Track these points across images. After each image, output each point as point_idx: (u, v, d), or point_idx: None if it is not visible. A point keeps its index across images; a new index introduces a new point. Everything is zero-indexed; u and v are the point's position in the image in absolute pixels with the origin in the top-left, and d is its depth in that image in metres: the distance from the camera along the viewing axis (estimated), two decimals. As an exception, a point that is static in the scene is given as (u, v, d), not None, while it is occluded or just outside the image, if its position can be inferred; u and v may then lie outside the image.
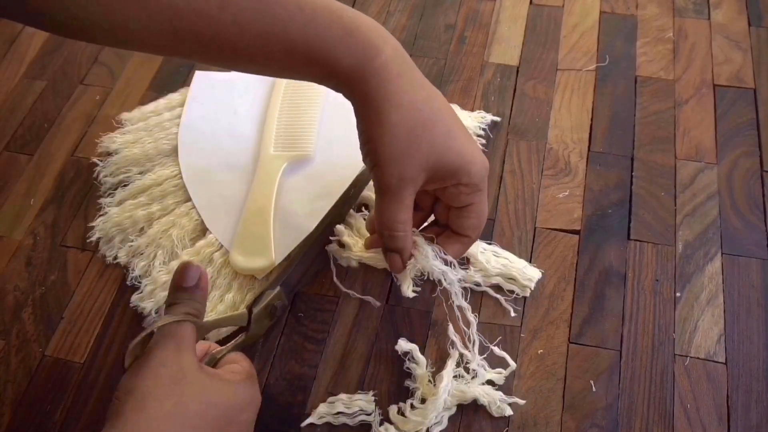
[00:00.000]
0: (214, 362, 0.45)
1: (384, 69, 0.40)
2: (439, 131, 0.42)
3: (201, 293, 0.42)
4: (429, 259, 0.46)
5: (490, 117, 0.62)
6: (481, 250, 0.54)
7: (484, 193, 0.46)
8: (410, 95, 0.41)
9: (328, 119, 0.61)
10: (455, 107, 0.63)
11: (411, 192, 0.43)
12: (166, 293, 0.53)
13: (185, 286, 0.42)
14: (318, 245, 0.52)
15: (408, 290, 0.48)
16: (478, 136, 0.61)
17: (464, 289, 0.50)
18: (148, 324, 0.50)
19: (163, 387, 0.37)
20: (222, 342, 0.50)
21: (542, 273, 0.53)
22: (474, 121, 0.61)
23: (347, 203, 0.55)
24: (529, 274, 0.53)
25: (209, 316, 0.52)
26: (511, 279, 0.53)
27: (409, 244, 0.46)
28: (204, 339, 0.48)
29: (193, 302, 0.42)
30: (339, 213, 0.55)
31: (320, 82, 0.43)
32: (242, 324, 0.47)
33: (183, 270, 0.42)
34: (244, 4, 0.38)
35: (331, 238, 0.54)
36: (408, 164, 0.42)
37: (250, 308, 0.47)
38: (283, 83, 0.64)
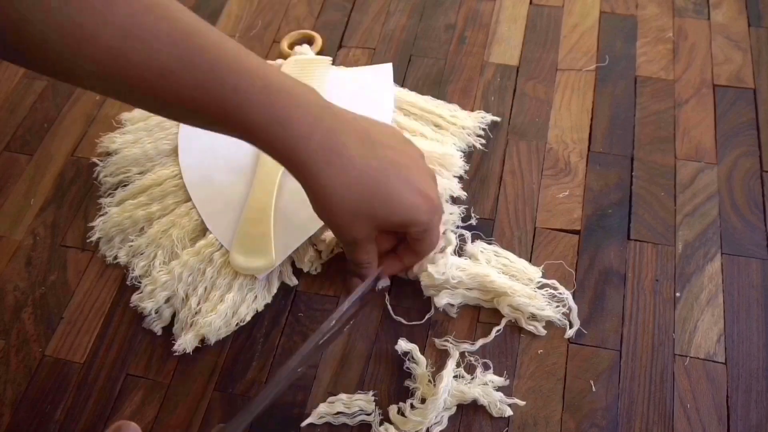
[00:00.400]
0: None
1: (313, 160, 0.43)
2: (378, 201, 0.46)
3: None
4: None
5: (490, 117, 0.62)
6: (480, 250, 0.54)
7: (433, 229, 0.50)
8: (341, 179, 0.44)
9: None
10: (454, 107, 0.63)
11: (367, 242, 0.48)
12: (166, 293, 0.53)
13: None
14: (279, 386, 0.43)
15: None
16: (478, 136, 0.61)
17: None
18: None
19: None
20: None
21: (542, 272, 0.53)
22: (474, 121, 0.62)
23: (316, 351, 0.47)
24: (529, 273, 0.53)
25: (209, 315, 0.52)
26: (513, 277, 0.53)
27: (373, 272, 0.50)
28: None
29: None
30: (305, 360, 0.45)
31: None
32: None
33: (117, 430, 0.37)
34: (183, 78, 0.40)
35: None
36: (355, 230, 0.47)
37: None
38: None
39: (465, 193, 0.58)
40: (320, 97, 0.45)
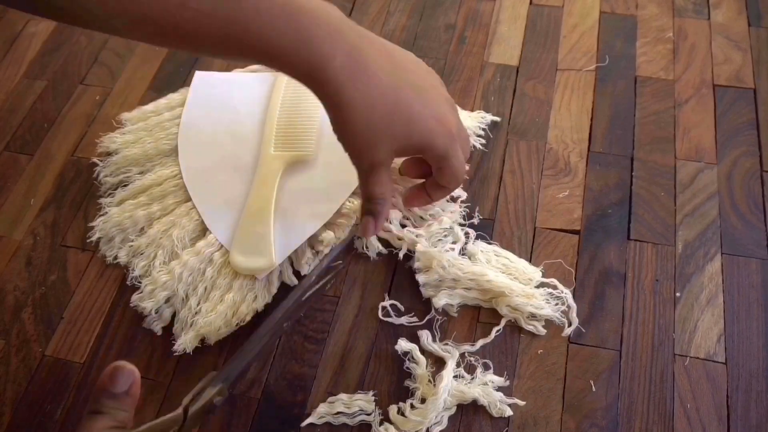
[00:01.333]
0: None
1: (335, 78, 0.43)
2: (398, 121, 0.46)
3: (131, 400, 0.37)
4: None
5: (489, 117, 0.62)
6: (481, 250, 0.54)
7: (452, 158, 0.49)
8: (363, 97, 0.44)
9: (329, 121, 0.61)
10: None
11: (383, 170, 0.48)
12: (166, 293, 0.53)
13: (114, 392, 0.36)
14: (269, 335, 0.46)
15: (373, 253, 0.53)
16: (478, 136, 0.61)
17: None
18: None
19: None
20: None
21: (542, 272, 0.53)
22: (474, 121, 0.62)
23: (305, 293, 0.49)
24: (529, 273, 0.53)
25: (209, 315, 0.52)
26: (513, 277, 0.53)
27: (386, 211, 0.50)
28: None
29: (119, 411, 0.36)
30: (297, 304, 0.49)
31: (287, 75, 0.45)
32: (177, 426, 0.41)
33: (113, 373, 0.36)
34: (203, 5, 0.39)
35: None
36: (374, 154, 0.47)
37: (186, 408, 0.41)
38: (283, 83, 0.64)
39: (465, 193, 0.58)
40: (343, 15, 0.44)
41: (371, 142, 0.46)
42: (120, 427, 0.36)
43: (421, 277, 0.52)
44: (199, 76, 0.66)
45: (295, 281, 0.55)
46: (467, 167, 0.59)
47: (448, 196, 0.56)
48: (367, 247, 0.55)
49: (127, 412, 0.37)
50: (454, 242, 0.54)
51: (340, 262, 0.52)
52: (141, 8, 0.38)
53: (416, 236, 0.54)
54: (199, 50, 0.43)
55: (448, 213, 0.56)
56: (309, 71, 0.43)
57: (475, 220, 0.56)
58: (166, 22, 0.39)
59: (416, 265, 0.53)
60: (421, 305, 0.53)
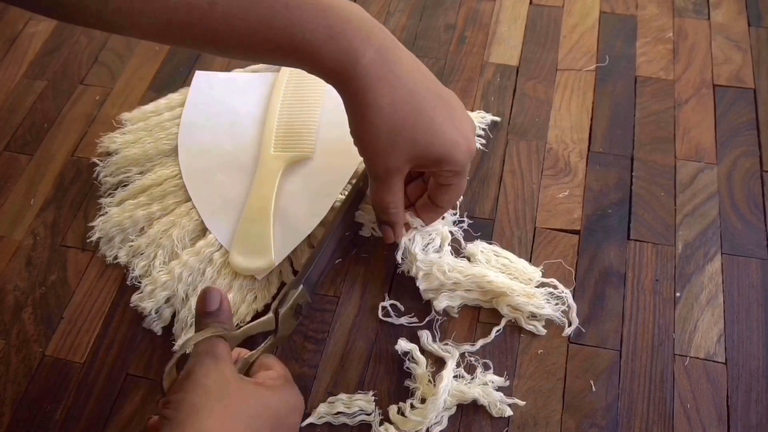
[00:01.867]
0: (247, 367, 0.44)
1: (364, 75, 0.42)
2: (421, 127, 0.45)
3: (225, 314, 0.43)
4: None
5: (490, 117, 0.62)
6: (481, 250, 0.54)
7: (464, 175, 0.50)
8: (390, 98, 0.43)
9: (329, 119, 0.61)
10: None
11: (397, 179, 0.48)
12: (166, 293, 0.53)
13: (209, 311, 0.43)
14: (335, 239, 0.52)
15: (398, 256, 0.53)
16: (478, 136, 0.61)
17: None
18: (179, 341, 0.50)
19: (210, 397, 0.37)
20: (250, 347, 0.48)
21: (542, 272, 0.53)
22: (474, 121, 0.61)
23: (358, 196, 0.55)
24: (529, 273, 0.53)
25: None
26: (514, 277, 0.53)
27: (400, 219, 0.51)
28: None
29: (219, 324, 0.42)
30: (352, 206, 0.55)
31: (311, 73, 0.45)
32: (270, 328, 0.47)
33: (204, 296, 0.43)
34: (233, 3, 0.39)
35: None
36: (391, 159, 0.46)
37: (276, 311, 0.47)
38: (283, 83, 0.64)
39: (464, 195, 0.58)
40: (368, 15, 0.44)
41: (391, 146, 0.45)
42: (223, 331, 0.42)
43: (421, 284, 0.52)
44: (199, 76, 0.66)
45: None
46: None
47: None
48: (374, 230, 0.56)
49: (227, 324, 0.43)
50: (441, 243, 0.54)
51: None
52: (169, 6, 0.38)
53: (409, 240, 0.53)
54: (227, 50, 0.43)
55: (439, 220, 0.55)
56: (337, 68, 0.42)
57: (466, 224, 0.56)
58: (195, 20, 0.39)
59: (413, 271, 0.53)
60: (421, 305, 0.53)
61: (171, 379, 0.40)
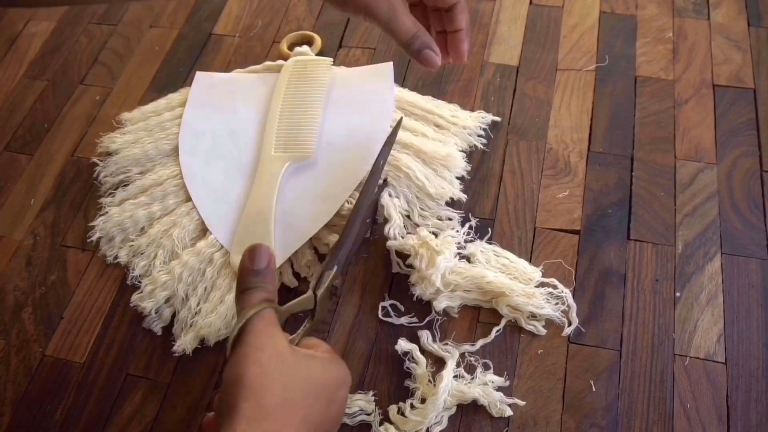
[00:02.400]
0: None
1: None
2: None
3: (271, 275, 0.42)
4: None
5: (490, 117, 0.62)
6: (480, 250, 0.54)
7: None
8: None
9: (329, 120, 0.61)
10: (455, 107, 0.63)
11: (402, 8, 0.48)
12: (166, 293, 0.53)
13: (257, 269, 0.41)
14: (360, 222, 0.52)
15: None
16: (479, 136, 0.61)
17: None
18: (238, 314, 0.44)
19: (267, 372, 0.37)
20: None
21: (542, 272, 0.53)
22: (474, 121, 0.61)
23: (375, 177, 0.55)
24: (528, 273, 0.53)
25: (209, 316, 0.52)
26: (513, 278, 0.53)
27: (429, 37, 0.50)
28: None
29: (266, 285, 0.41)
30: (371, 189, 0.54)
31: None
32: (309, 307, 0.46)
33: (253, 252, 0.41)
34: None
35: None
36: None
37: (314, 291, 0.46)
38: (284, 84, 0.63)
39: (465, 196, 0.58)
40: None
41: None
42: (270, 299, 0.40)
43: (416, 290, 0.52)
44: (200, 77, 0.66)
45: (296, 282, 0.55)
46: (469, 167, 0.59)
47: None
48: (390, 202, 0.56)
49: (272, 286, 0.41)
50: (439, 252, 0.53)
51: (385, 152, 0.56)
52: None
53: (418, 244, 0.53)
54: None
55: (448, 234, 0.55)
56: None
57: (473, 223, 0.56)
58: None
59: (411, 279, 0.53)
60: (421, 305, 0.53)
61: (233, 348, 0.39)
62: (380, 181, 0.56)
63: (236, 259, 0.54)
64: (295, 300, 0.45)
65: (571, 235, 0.56)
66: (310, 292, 0.46)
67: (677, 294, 0.52)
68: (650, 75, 0.65)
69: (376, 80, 0.64)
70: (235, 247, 0.54)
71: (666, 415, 0.47)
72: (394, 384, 0.50)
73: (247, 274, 0.41)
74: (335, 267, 0.48)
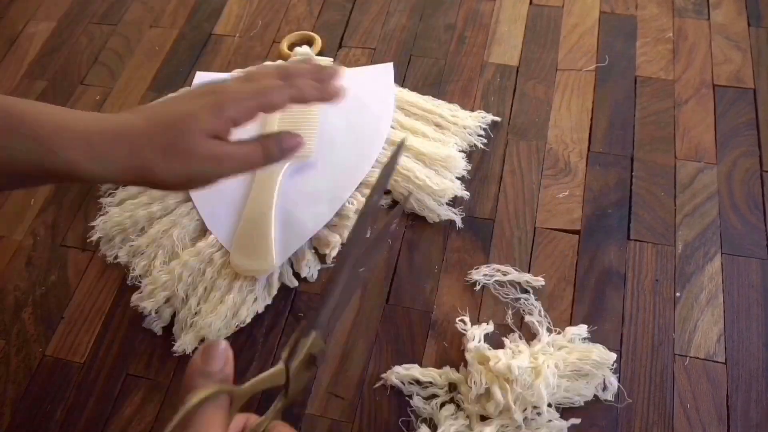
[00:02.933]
0: None
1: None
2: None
3: (226, 378, 0.35)
4: None
5: (490, 117, 0.62)
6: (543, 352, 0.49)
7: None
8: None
9: (329, 120, 0.61)
10: (455, 107, 0.63)
11: (224, 149, 0.45)
12: (166, 293, 0.53)
13: (209, 371, 0.34)
14: (349, 273, 0.44)
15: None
16: (479, 135, 0.61)
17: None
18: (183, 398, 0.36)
19: None
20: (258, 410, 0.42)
21: (542, 277, 0.53)
22: (474, 120, 0.61)
23: (371, 250, 0.47)
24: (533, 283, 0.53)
25: (208, 316, 0.52)
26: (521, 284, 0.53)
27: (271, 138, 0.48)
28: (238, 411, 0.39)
29: (220, 383, 0.35)
30: (362, 231, 0.47)
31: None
32: (280, 383, 0.38)
33: (206, 352, 0.35)
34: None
35: None
36: (195, 157, 0.44)
37: (286, 364, 0.38)
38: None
39: (467, 193, 0.58)
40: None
41: (175, 157, 0.44)
42: (225, 380, 0.34)
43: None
44: (201, 77, 0.66)
45: (296, 282, 0.55)
46: (469, 167, 0.59)
47: None
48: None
49: (228, 373, 0.35)
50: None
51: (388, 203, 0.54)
52: None
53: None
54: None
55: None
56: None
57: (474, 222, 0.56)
58: None
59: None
60: (421, 305, 0.53)
61: None
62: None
63: (237, 260, 0.54)
64: (261, 375, 0.37)
65: (571, 235, 0.56)
66: (280, 365, 0.38)
67: (677, 294, 0.52)
68: (650, 75, 0.65)
69: (377, 80, 0.64)
70: (235, 248, 0.54)
71: (666, 415, 0.47)
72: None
73: (194, 375, 0.34)
74: (312, 332, 0.40)
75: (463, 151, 0.60)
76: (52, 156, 0.41)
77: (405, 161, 0.58)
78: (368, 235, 0.47)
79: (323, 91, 0.48)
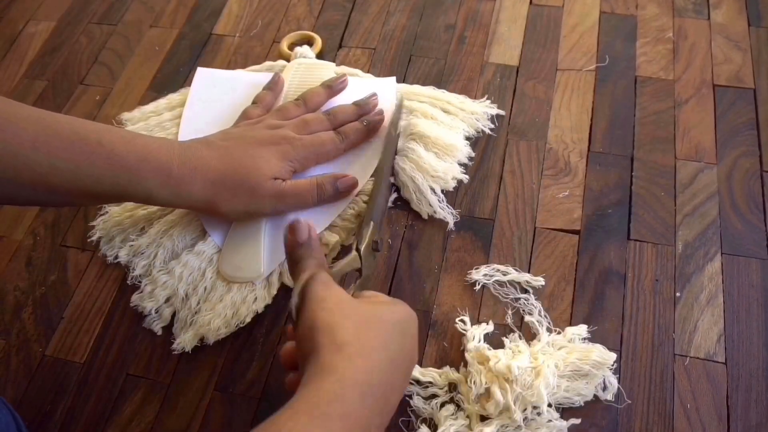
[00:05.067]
0: None
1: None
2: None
3: (315, 243, 0.44)
4: None
5: (495, 109, 0.62)
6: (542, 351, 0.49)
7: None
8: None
9: None
10: (462, 98, 0.63)
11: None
12: (166, 293, 0.53)
13: (300, 242, 0.43)
14: (386, 182, 0.55)
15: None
16: (479, 132, 0.61)
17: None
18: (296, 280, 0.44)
19: (334, 315, 0.38)
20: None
21: (542, 277, 0.53)
22: (482, 107, 0.62)
23: (393, 143, 0.58)
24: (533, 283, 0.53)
25: (208, 315, 0.52)
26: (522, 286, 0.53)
27: (328, 178, 0.56)
28: None
29: (313, 253, 0.43)
30: (390, 153, 0.57)
31: None
32: (356, 266, 0.47)
33: (294, 228, 0.43)
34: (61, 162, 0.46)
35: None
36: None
37: (357, 249, 0.48)
38: (286, 86, 0.63)
39: (467, 176, 0.58)
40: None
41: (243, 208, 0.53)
42: (320, 265, 0.42)
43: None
44: (202, 72, 0.66)
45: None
46: (472, 153, 0.59)
47: None
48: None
49: (319, 254, 0.43)
50: None
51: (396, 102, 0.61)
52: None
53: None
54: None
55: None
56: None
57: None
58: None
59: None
60: (422, 305, 0.53)
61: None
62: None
63: (224, 266, 0.54)
64: (342, 261, 0.47)
65: (571, 235, 0.56)
66: (353, 252, 0.47)
67: (677, 294, 0.52)
68: (650, 75, 0.65)
69: (379, 93, 0.63)
70: (224, 253, 0.54)
71: (666, 415, 0.47)
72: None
73: (294, 248, 0.43)
74: (372, 223, 0.50)
75: (469, 138, 0.60)
76: (135, 184, 0.48)
77: (410, 144, 0.58)
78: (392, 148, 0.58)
79: (370, 132, 0.59)
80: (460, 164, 0.59)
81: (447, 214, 0.56)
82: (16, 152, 0.44)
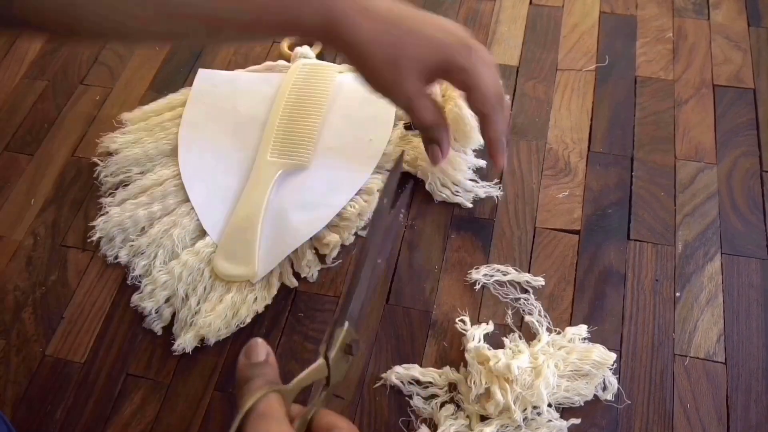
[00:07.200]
0: (305, 426, 0.38)
1: (344, 17, 0.46)
2: (411, 43, 0.47)
3: (271, 367, 0.39)
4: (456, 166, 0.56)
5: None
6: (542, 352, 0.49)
7: (474, 69, 0.49)
8: (373, 28, 0.47)
9: (329, 129, 0.61)
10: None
11: (423, 98, 0.49)
12: (166, 293, 0.53)
13: (255, 362, 0.38)
14: (371, 266, 0.45)
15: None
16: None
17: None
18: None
19: None
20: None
21: (542, 277, 0.53)
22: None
23: (385, 242, 0.48)
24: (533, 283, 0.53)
25: (208, 316, 0.52)
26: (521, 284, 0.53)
27: (445, 136, 0.52)
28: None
29: (265, 370, 0.38)
30: (380, 230, 0.47)
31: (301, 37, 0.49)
32: (323, 375, 0.40)
33: (249, 350, 0.39)
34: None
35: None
36: (403, 83, 0.48)
37: (326, 356, 0.40)
38: (288, 87, 0.63)
39: (484, 162, 0.59)
40: None
41: (395, 72, 0.47)
42: (273, 382, 0.37)
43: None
44: (203, 74, 0.66)
45: (296, 282, 0.55)
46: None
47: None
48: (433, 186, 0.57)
49: (273, 373, 0.38)
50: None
51: (407, 186, 0.57)
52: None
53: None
54: (221, 37, 0.49)
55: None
56: (320, 22, 0.46)
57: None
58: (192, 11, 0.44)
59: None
60: (421, 305, 0.53)
61: None
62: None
63: (219, 264, 0.53)
64: (304, 372, 0.39)
65: (571, 235, 0.56)
66: (320, 359, 0.40)
67: (677, 294, 0.52)
68: (650, 75, 0.65)
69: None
70: (219, 251, 0.54)
71: (666, 415, 0.47)
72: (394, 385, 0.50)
73: (246, 369, 0.38)
74: (346, 324, 0.41)
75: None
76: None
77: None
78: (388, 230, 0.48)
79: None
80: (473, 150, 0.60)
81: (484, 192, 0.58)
82: None
